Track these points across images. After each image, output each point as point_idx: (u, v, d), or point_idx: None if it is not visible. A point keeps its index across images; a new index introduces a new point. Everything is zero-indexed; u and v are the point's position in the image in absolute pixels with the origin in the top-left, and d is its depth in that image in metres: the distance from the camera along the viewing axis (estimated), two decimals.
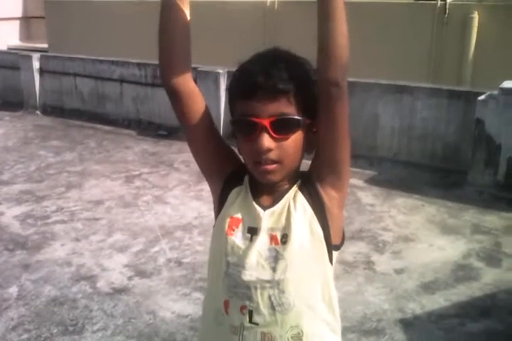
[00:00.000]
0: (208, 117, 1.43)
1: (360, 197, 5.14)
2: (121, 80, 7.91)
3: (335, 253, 1.42)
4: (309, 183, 1.40)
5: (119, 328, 3.26)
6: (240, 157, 1.48)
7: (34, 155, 6.60)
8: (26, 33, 12.92)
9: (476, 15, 7.12)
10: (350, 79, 5.38)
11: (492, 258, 4.04)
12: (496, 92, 5.00)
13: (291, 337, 1.37)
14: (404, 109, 5.76)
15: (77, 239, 4.39)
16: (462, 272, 3.84)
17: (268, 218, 1.40)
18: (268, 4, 8.62)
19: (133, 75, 7.76)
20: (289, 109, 1.30)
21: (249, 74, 1.30)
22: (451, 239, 4.34)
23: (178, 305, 3.47)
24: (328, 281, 1.40)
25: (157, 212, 4.88)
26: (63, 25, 10.82)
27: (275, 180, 1.37)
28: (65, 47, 10.10)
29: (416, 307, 3.43)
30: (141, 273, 3.86)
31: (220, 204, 1.46)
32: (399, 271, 3.85)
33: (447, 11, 7.32)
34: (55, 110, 8.60)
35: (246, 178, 1.47)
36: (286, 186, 1.42)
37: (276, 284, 1.35)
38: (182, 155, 6.26)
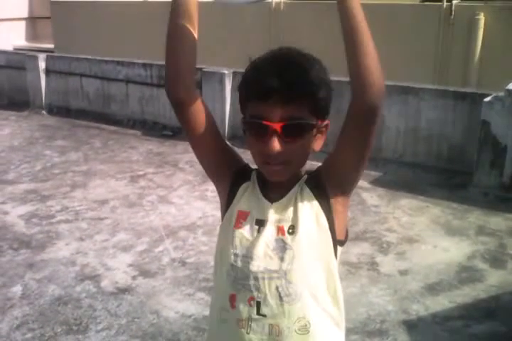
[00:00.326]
0: (211, 126, 1.45)
1: (365, 198, 5.13)
2: (127, 81, 7.92)
3: (339, 249, 1.43)
4: (317, 180, 1.42)
5: (122, 328, 3.26)
6: (242, 157, 1.52)
7: (39, 154, 6.62)
8: (32, 34, 12.96)
9: (482, 17, 7.11)
10: None
11: (497, 259, 4.03)
12: (501, 94, 4.98)
13: (299, 329, 1.38)
14: (410, 110, 5.75)
15: (82, 239, 4.40)
16: (467, 273, 3.83)
17: (275, 210, 1.42)
18: (274, 5, 8.63)
19: (138, 76, 7.78)
20: (301, 113, 1.32)
21: (264, 77, 1.30)
22: (455, 240, 4.33)
23: (182, 305, 3.47)
24: (333, 274, 1.41)
25: (161, 211, 4.88)
26: (69, 25, 10.85)
27: (282, 180, 1.40)
28: (71, 48, 10.13)
29: (420, 308, 3.42)
30: (145, 273, 3.86)
31: (228, 201, 1.48)
32: (403, 272, 3.84)
33: (453, 12, 7.31)
34: (60, 110, 8.62)
35: (254, 174, 1.50)
36: (294, 180, 1.44)
37: (283, 274, 1.37)
38: (187, 155, 6.26)
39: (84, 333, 3.21)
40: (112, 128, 7.82)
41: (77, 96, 8.51)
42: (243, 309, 1.39)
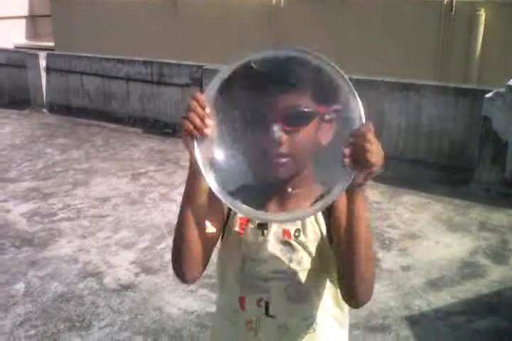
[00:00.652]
0: (217, 233, 1.40)
1: (367, 194, 5.10)
2: (128, 78, 7.92)
3: None
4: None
5: (125, 324, 3.27)
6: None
7: (41, 153, 6.62)
8: (33, 32, 12.95)
9: (482, 13, 7.09)
10: (356, 77, 5.37)
11: (499, 255, 4.03)
12: (502, 90, 4.98)
13: (306, 328, 1.39)
14: (411, 106, 5.75)
15: (84, 236, 4.41)
16: (469, 269, 3.83)
17: (277, 224, 1.39)
18: (274, 2, 8.62)
19: (139, 73, 7.77)
20: (302, 100, 1.25)
21: (261, 67, 1.25)
22: (457, 236, 4.33)
23: (185, 301, 3.48)
24: (333, 276, 1.39)
25: (163, 209, 4.89)
26: (69, 23, 10.84)
27: (285, 176, 1.30)
28: (72, 46, 10.13)
29: (422, 304, 3.43)
30: (148, 270, 3.87)
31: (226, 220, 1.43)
32: (405, 268, 3.85)
33: (454, 8, 7.30)
34: (61, 108, 8.62)
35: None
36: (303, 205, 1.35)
37: (291, 275, 1.36)
38: (188, 153, 6.24)
39: (87, 330, 3.22)
40: (113, 126, 7.82)
41: (78, 94, 8.51)
42: (252, 310, 1.39)
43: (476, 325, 3.25)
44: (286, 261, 1.36)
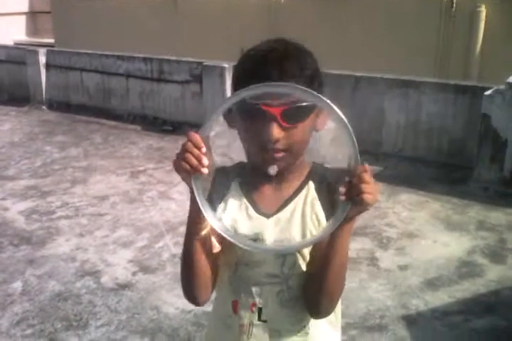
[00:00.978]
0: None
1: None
2: (127, 75, 7.91)
3: None
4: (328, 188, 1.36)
5: (122, 323, 3.27)
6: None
7: (39, 150, 6.62)
8: (33, 28, 12.94)
9: (483, 9, 7.07)
10: (357, 74, 5.36)
11: (496, 254, 4.02)
12: (502, 87, 4.96)
13: (298, 332, 1.40)
14: (410, 103, 5.73)
15: (82, 235, 4.41)
16: (466, 268, 3.83)
17: (273, 227, 1.35)
18: None
19: (139, 70, 7.76)
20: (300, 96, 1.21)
21: (262, 68, 1.25)
22: (455, 235, 4.32)
23: (182, 300, 3.42)
24: None
25: (162, 207, 4.89)
26: (69, 20, 10.83)
27: (282, 169, 1.30)
28: (72, 42, 10.11)
29: (420, 303, 3.42)
30: (146, 269, 3.87)
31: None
32: (403, 268, 3.84)
33: (454, 5, 7.27)
34: (60, 105, 8.62)
35: (235, 183, 1.41)
36: (294, 186, 1.38)
37: (284, 280, 1.36)
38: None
39: (84, 329, 3.22)
40: (112, 123, 7.81)
41: (78, 91, 8.50)
42: (245, 315, 1.39)
43: (473, 324, 3.24)
44: (279, 265, 1.36)
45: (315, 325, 1.41)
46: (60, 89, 8.66)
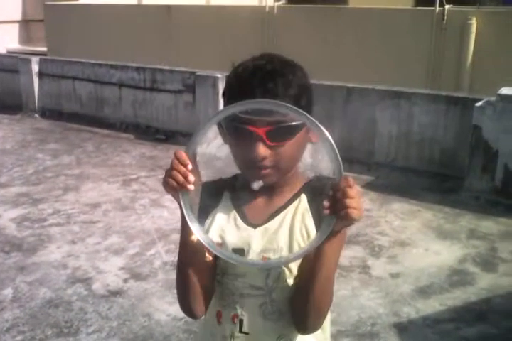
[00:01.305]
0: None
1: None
2: (120, 84, 7.92)
3: None
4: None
5: (113, 330, 3.25)
6: None
7: (32, 158, 6.61)
8: (25, 37, 12.93)
9: (474, 21, 7.15)
10: (349, 85, 5.41)
11: (488, 263, 4.04)
12: (493, 99, 5.01)
13: None
14: (402, 114, 5.77)
15: (74, 242, 4.39)
16: (458, 277, 3.84)
17: (260, 237, 1.34)
18: (267, 9, 8.66)
19: (132, 79, 7.78)
20: (285, 117, 1.22)
21: (247, 88, 1.25)
22: (447, 243, 4.34)
23: (174, 307, 3.46)
24: None
25: (154, 215, 4.88)
26: (62, 28, 10.84)
27: (270, 183, 1.32)
28: (64, 51, 10.13)
29: (411, 311, 3.43)
30: (137, 276, 3.86)
31: None
32: (394, 276, 3.85)
33: (445, 17, 7.35)
34: (53, 113, 8.61)
35: (226, 195, 1.41)
36: (286, 198, 1.37)
37: (268, 292, 1.34)
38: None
39: (75, 336, 3.20)
40: (105, 131, 7.81)
41: (70, 99, 8.50)
42: (227, 326, 1.38)
43: (464, 332, 3.25)
44: (263, 277, 1.34)
45: (299, 339, 1.38)
46: (53, 97, 8.66)
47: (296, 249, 1.30)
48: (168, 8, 9.64)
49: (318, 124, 1.14)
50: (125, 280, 3.80)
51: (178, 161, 1.21)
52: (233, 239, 1.35)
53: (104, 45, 10.12)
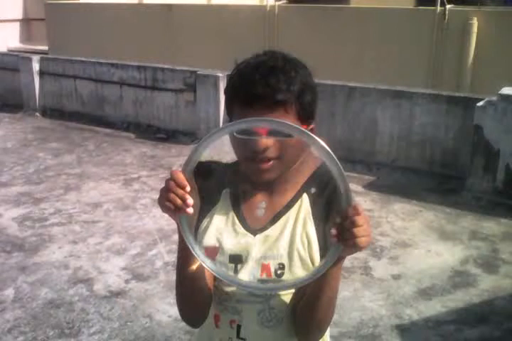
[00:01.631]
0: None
1: (358, 202, 5.13)
2: (121, 83, 7.91)
3: None
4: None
5: (115, 331, 3.25)
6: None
7: (33, 157, 6.60)
8: (27, 35, 12.93)
9: (475, 21, 7.15)
10: (350, 84, 5.40)
11: (489, 264, 4.04)
12: (494, 98, 5.00)
13: None
14: (403, 114, 5.76)
15: (75, 242, 4.39)
16: (459, 278, 3.84)
17: (260, 245, 1.31)
18: (268, 8, 8.65)
19: (133, 78, 7.77)
20: (286, 119, 1.19)
21: (248, 83, 1.23)
22: (448, 245, 4.34)
23: (175, 308, 3.42)
24: None
25: (155, 215, 4.87)
26: (63, 27, 10.84)
27: (272, 179, 1.28)
28: (65, 50, 10.12)
29: (413, 313, 3.43)
30: (138, 277, 3.86)
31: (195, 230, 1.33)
32: (396, 277, 3.85)
33: (447, 17, 7.35)
34: (54, 112, 8.60)
35: (225, 193, 1.37)
36: (287, 197, 1.34)
37: (266, 300, 1.32)
38: (181, 158, 6.25)
39: (76, 337, 3.20)
40: (106, 130, 7.80)
41: (71, 98, 8.49)
42: (224, 330, 1.37)
43: (466, 334, 3.25)
44: (262, 285, 1.30)
45: None
46: (54, 96, 8.65)
47: (296, 256, 1.28)
48: (169, 7, 9.63)
49: (326, 147, 1.09)
50: (127, 281, 3.80)
51: (175, 183, 1.14)
52: (231, 245, 1.31)
53: (105, 44, 10.11)
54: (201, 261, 1.21)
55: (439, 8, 7.39)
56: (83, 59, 8.37)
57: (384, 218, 4.81)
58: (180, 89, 7.27)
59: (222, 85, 6.87)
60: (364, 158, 5.94)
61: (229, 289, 1.34)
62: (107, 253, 4.20)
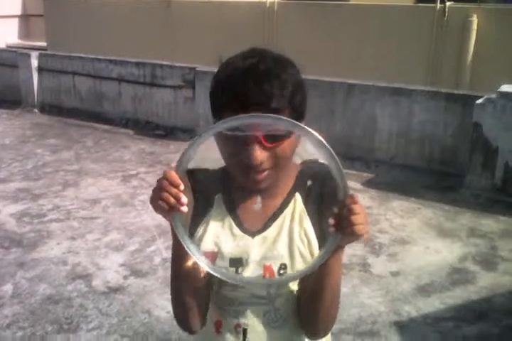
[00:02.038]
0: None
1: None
2: (120, 79, 7.90)
3: None
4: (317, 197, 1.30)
5: (113, 327, 3.25)
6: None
7: (31, 153, 6.59)
8: (25, 31, 12.91)
9: (475, 19, 7.14)
10: (349, 81, 5.40)
11: (488, 261, 4.04)
12: (493, 96, 5.00)
13: None
14: (402, 111, 5.76)
15: (73, 238, 4.38)
16: (458, 275, 3.84)
17: (259, 246, 1.29)
18: (268, 5, 8.63)
19: (131, 74, 7.75)
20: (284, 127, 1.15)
21: (240, 88, 1.17)
22: (447, 242, 4.34)
23: None
24: None
25: (153, 211, 4.85)
26: (62, 23, 10.81)
27: (266, 185, 1.26)
28: (64, 46, 10.10)
29: (411, 309, 3.43)
30: (137, 273, 3.85)
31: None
32: (395, 274, 3.85)
33: (446, 14, 7.34)
34: (52, 108, 8.59)
35: (218, 198, 1.34)
36: (280, 198, 1.32)
37: (271, 301, 1.31)
38: (179, 155, 6.24)
39: (75, 332, 3.20)
40: (105, 127, 7.79)
41: (70, 94, 8.48)
42: (228, 335, 1.33)
43: (464, 331, 3.25)
44: (265, 286, 1.30)
45: None
46: (52, 92, 8.63)
47: (297, 254, 1.27)
48: (168, 3, 9.61)
49: (324, 142, 1.09)
50: (125, 277, 3.80)
51: (168, 182, 1.13)
52: (230, 249, 1.29)
53: (104, 40, 10.09)
54: (197, 260, 1.19)
55: (438, 5, 7.38)
56: (82, 55, 8.35)
57: (382, 215, 4.81)
58: (178, 86, 7.26)
59: None
60: (363, 155, 5.94)
61: (231, 293, 1.31)
62: (105, 250, 4.20)
